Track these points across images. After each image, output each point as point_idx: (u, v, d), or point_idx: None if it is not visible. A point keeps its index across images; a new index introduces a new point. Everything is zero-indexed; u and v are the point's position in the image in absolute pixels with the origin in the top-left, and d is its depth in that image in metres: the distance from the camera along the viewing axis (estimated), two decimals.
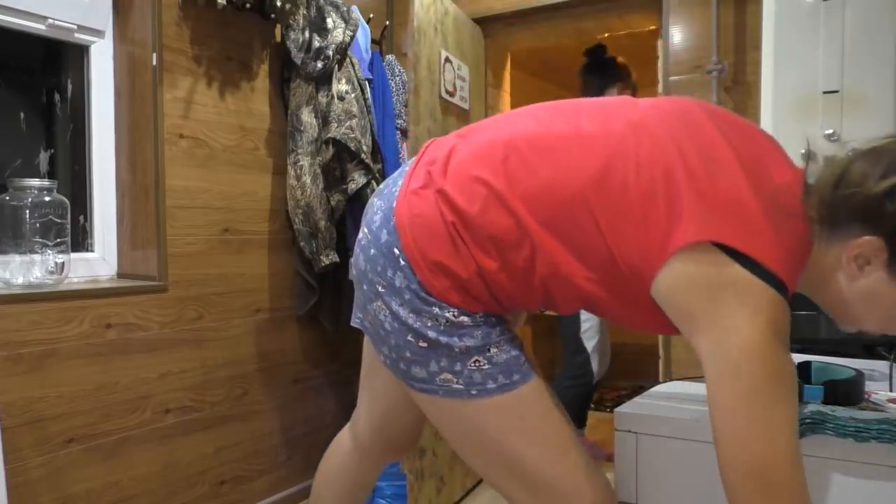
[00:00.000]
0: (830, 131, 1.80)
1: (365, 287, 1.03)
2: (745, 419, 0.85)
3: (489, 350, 0.97)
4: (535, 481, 1.01)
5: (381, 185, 1.12)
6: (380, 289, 1.00)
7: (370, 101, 2.40)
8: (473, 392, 0.97)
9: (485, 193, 0.95)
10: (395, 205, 1.01)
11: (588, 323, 2.77)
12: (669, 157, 0.90)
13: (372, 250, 1.02)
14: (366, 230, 1.06)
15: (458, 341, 0.96)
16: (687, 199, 0.87)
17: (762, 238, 0.86)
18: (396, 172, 1.11)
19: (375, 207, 1.06)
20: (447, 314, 0.96)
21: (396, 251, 0.98)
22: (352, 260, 1.12)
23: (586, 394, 2.82)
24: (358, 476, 1.35)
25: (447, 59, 2.41)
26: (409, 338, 0.98)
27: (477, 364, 0.97)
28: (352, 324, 1.16)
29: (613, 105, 1.00)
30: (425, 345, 0.97)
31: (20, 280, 1.70)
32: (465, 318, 0.96)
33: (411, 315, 0.97)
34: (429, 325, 0.96)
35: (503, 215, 0.94)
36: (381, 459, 1.34)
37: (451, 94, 2.44)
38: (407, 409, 1.23)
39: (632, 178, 0.90)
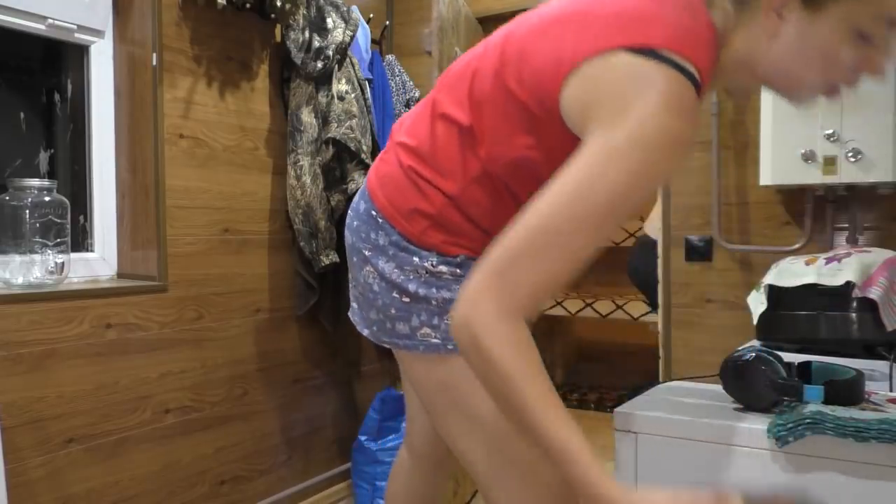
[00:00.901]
0: (830, 131, 1.80)
1: (355, 259, 1.09)
2: (587, 173, 0.79)
3: None
4: (495, 446, 1.01)
5: None
6: (367, 253, 1.05)
7: (370, 101, 2.40)
8: (450, 346, 0.99)
9: (429, 121, 1.03)
10: (367, 177, 1.11)
11: None
12: (563, 13, 0.92)
13: (355, 222, 1.09)
14: (350, 212, 1.13)
15: (436, 293, 1.00)
16: (575, 29, 0.88)
17: (654, 27, 0.83)
18: None
19: (358, 191, 1.15)
20: (426, 264, 1.00)
21: (374, 213, 1.05)
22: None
23: None
24: (424, 489, 1.35)
25: None
26: (393, 294, 1.02)
27: None
28: (348, 314, 1.19)
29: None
30: (408, 300, 1.01)
31: (20, 280, 1.70)
32: (443, 268, 1.00)
33: (395, 270, 1.02)
34: (411, 277, 1.01)
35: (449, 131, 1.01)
36: (441, 466, 1.34)
37: None
38: None
39: (527, 37, 0.93)
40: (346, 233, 1.12)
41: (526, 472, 1.01)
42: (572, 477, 0.79)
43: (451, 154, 1.00)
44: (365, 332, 1.11)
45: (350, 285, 1.15)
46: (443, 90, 1.04)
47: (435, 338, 1.01)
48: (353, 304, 1.15)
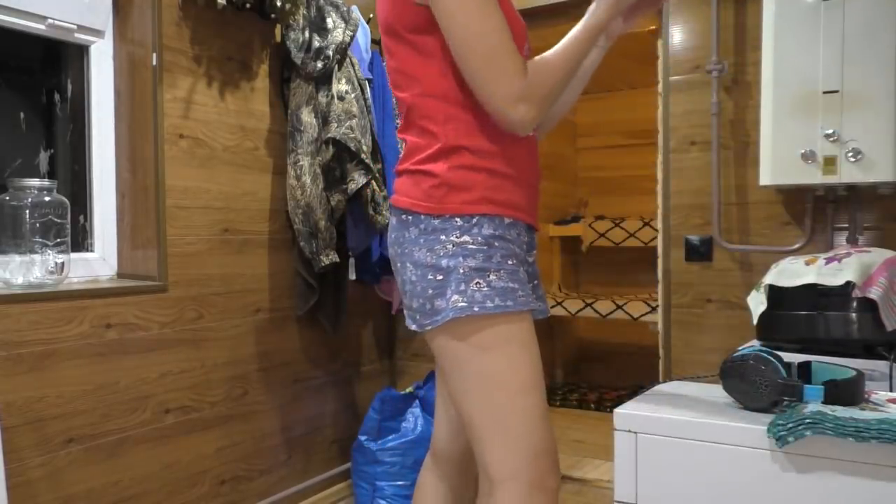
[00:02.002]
0: (830, 131, 1.80)
1: (398, 265, 1.23)
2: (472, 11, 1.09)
3: (489, 275, 1.14)
4: (495, 402, 1.16)
5: None
6: (405, 251, 1.20)
7: (370, 101, 2.40)
8: (476, 308, 1.13)
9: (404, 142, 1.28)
10: (390, 205, 1.28)
11: None
12: None
13: (392, 235, 1.25)
14: (388, 240, 1.30)
15: (463, 261, 1.14)
16: None
17: None
18: None
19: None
20: (452, 237, 1.15)
21: (403, 216, 1.21)
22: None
23: None
24: (449, 495, 1.42)
25: None
26: (429, 276, 1.16)
27: (478, 285, 1.14)
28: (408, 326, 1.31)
29: None
30: (441, 277, 1.15)
31: (20, 280, 1.70)
32: (466, 238, 1.15)
33: (428, 254, 1.16)
34: (441, 254, 1.15)
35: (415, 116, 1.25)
36: (464, 469, 1.42)
37: None
38: None
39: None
40: (390, 254, 1.28)
41: (519, 433, 1.15)
42: (589, 40, 1.19)
43: (423, 129, 1.20)
44: (413, 327, 1.23)
45: (401, 299, 1.29)
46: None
47: (462, 301, 1.13)
48: (406, 312, 1.28)
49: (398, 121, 1.32)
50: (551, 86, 1.14)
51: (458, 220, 1.15)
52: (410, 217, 1.19)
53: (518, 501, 1.14)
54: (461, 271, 1.14)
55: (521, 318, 1.17)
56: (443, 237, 1.15)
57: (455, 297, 1.13)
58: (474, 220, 1.16)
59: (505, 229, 1.18)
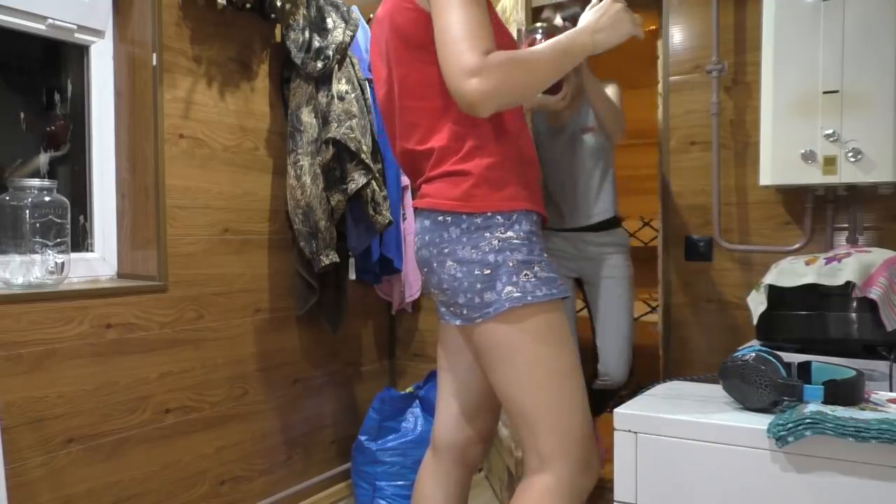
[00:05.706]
0: (830, 131, 1.80)
1: (435, 265, 1.27)
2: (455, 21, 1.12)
3: (534, 266, 1.22)
4: (545, 386, 1.22)
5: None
6: (445, 251, 1.24)
7: (370, 101, 2.40)
8: (529, 298, 1.20)
9: (413, 154, 1.34)
10: (416, 212, 1.32)
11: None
12: None
13: (426, 237, 1.28)
14: (417, 245, 1.32)
15: (511, 255, 1.21)
16: None
17: None
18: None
19: (414, 229, 1.35)
20: (497, 234, 1.22)
21: (440, 218, 1.25)
22: (424, 280, 1.36)
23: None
24: (449, 486, 1.44)
25: None
26: (476, 272, 1.22)
27: (527, 277, 1.21)
28: (441, 322, 1.37)
29: None
30: (489, 271, 1.21)
31: (20, 280, 1.70)
32: (510, 234, 1.22)
33: (473, 251, 1.22)
34: (486, 250, 1.21)
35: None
36: (463, 459, 1.45)
37: None
38: (488, 387, 1.39)
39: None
40: (418, 259, 1.32)
41: (566, 413, 1.23)
42: (573, 52, 1.21)
43: (453, 133, 1.24)
44: (457, 323, 1.28)
45: (435, 299, 1.35)
46: (397, 135, 1.33)
47: (516, 292, 1.20)
48: (441, 309, 1.34)
49: (403, 132, 1.35)
50: (515, 74, 1.11)
51: (499, 217, 1.22)
52: (450, 218, 1.24)
53: (569, 477, 1.23)
54: (510, 264, 1.21)
55: (559, 305, 1.26)
56: (487, 234, 1.22)
57: (508, 288, 1.20)
58: (514, 216, 1.23)
59: (536, 225, 1.27)
